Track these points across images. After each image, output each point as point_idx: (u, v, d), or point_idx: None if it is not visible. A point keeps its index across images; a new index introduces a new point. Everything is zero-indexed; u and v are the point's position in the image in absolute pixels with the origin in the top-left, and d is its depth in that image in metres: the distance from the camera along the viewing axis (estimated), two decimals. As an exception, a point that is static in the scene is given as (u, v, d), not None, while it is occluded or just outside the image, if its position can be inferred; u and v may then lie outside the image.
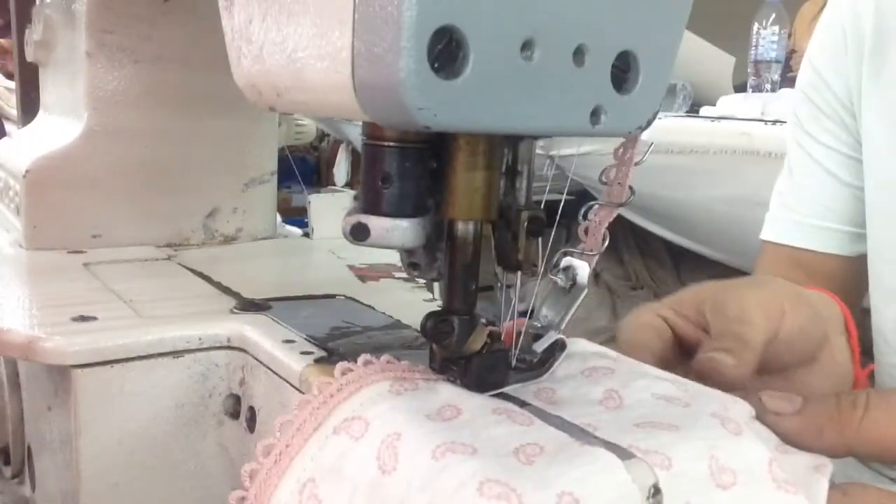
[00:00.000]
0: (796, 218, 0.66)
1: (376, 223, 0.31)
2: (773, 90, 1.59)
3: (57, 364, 0.43)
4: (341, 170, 2.58)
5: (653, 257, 1.98)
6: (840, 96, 0.63)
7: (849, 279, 0.65)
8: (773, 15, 1.60)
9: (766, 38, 1.61)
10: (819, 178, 0.65)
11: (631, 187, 0.37)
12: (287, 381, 0.40)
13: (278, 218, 0.84)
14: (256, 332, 0.44)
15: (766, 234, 0.68)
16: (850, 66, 0.61)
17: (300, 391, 0.39)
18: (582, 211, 0.39)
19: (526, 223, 0.35)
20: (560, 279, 0.40)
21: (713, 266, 1.59)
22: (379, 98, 0.27)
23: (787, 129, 0.71)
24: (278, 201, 0.80)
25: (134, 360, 0.43)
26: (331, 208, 0.81)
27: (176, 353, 0.44)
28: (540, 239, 0.39)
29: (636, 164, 0.36)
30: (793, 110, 0.69)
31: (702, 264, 1.66)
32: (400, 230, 0.31)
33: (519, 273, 0.40)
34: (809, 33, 0.71)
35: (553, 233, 0.39)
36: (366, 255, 0.67)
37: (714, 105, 1.55)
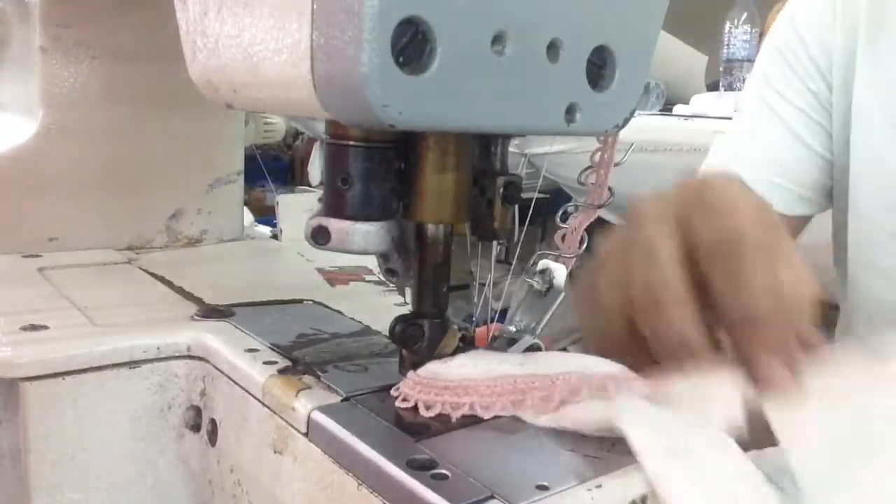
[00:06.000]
0: (749, 169, 0.65)
1: (337, 226, 0.29)
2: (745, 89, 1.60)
3: (5, 377, 0.41)
4: (315, 169, 2.55)
5: (627, 255, 1.98)
6: (819, 64, 0.63)
7: None
8: (745, 14, 1.61)
9: (738, 37, 1.62)
10: (782, 137, 0.65)
11: (610, 188, 0.36)
12: (249, 393, 0.38)
13: (250, 217, 0.82)
14: (217, 340, 0.42)
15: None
16: (838, 39, 0.61)
17: (263, 403, 0.37)
18: (559, 213, 0.38)
19: (501, 189, 0.33)
20: (536, 282, 0.39)
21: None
22: (340, 94, 0.25)
23: (749, 82, 0.71)
24: (252, 200, 0.78)
25: (87, 372, 0.41)
26: (300, 209, 0.79)
27: (132, 364, 0.42)
28: (516, 238, 0.38)
29: (616, 164, 0.35)
30: (760, 65, 0.69)
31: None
32: (361, 234, 0.29)
33: (493, 271, 0.38)
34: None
35: (525, 230, 0.38)
36: (335, 258, 0.65)
37: (687, 104, 1.55)
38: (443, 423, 0.32)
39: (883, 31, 0.58)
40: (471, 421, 0.32)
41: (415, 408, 0.32)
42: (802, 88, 0.64)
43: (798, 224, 0.66)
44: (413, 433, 0.31)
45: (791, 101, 0.64)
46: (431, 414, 0.31)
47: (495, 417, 0.32)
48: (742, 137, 0.69)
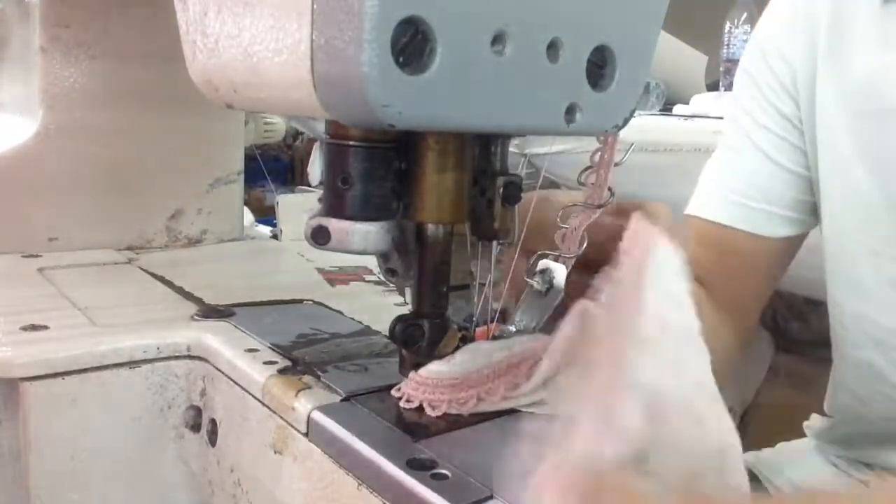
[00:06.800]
0: (726, 195, 0.65)
1: (337, 226, 0.29)
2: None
3: (5, 377, 0.41)
4: (315, 169, 2.54)
5: (627, 256, 1.98)
6: (784, 81, 0.62)
7: (768, 261, 0.65)
8: (745, 14, 1.60)
9: (738, 37, 1.62)
10: (754, 158, 0.64)
11: (610, 189, 0.36)
12: (249, 393, 0.38)
13: (250, 217, 0.82)
14: (217, 340, 0.42)
15: (692, 208, 0.67)
16: (799, 52, 0.61)
17: (263, 403, 0.37)
18: (559, 213, 0.38)
19: (501, 189, 0.33)
20: (536, 282, 0.39)
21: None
22: (340, 94, 0.25)
23: (728, 105, 0.71)
24: (252, 200, 0.78)
25: (87, 372, 0.41)
26: (300, 209, 0.79)
27: (132, 364, 0.42)
28: (516, 238, 0.38)
29: (616, 164, 0.35)
30: (735, 87, 0.69)
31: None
32: (361, 234, 0.29)
33: (493, 271, 0.38)
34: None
35: (524, 231, 0.38)
36: (335, 258, 0.65)
37: (687, 104, 1.55)
38: (442, 423, 0.32)
39: (843, 42, 0.57)
40: (471, 421, 0.32)
41: (419, 408, 0.32)
42: (769, 108, 0.63)
43: (781, 244, 0.65)
44: (413, 433, 0.31)
45: (759, 122, 0.64)
46: (438, 413, 0.31)
47: (497, 414, 0.32)
48: (721, 159, 0.68)
